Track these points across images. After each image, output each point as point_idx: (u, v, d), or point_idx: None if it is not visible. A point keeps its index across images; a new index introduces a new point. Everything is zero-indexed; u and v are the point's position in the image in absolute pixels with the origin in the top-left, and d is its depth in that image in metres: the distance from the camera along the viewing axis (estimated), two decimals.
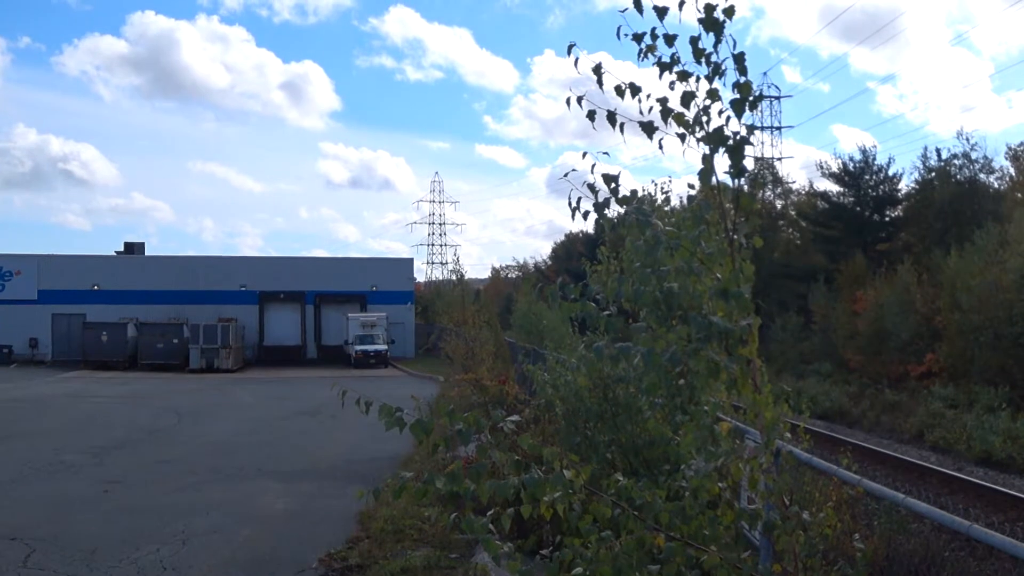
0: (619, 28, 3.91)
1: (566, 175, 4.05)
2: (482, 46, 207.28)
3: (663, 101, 3.94)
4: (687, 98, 3.94)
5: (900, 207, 45.62)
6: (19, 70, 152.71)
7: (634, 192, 4.12)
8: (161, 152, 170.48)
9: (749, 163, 4.04)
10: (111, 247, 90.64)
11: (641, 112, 3.95)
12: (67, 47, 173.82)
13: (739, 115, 3.95)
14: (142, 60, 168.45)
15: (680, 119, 3.96)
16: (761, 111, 59.29)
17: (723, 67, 3.90)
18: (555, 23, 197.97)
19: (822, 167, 48.18)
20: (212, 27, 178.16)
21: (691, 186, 4.21)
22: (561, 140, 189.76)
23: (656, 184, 10.14)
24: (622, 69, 3.93)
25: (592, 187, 4.06)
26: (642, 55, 3.94)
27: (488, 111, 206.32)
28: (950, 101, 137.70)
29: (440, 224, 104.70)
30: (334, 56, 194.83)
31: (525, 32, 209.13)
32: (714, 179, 4.06)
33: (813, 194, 50.45)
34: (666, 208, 9.50)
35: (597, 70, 3.92)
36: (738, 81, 3.92)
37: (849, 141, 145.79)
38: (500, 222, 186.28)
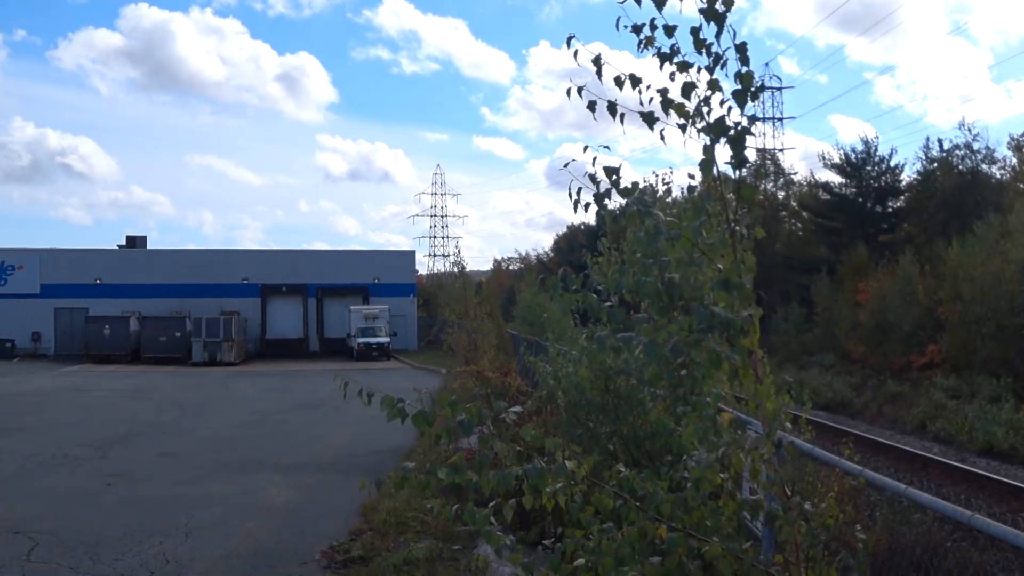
0: (618, 19, 3.90)
1: (566, 165, 4.04)
2: (478, 37, 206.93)
3: (663, 92, 3.93)
4: (688, 88, 3.93)
5: (902, 198, 45.56)
6: (15, 63, 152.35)
7: (635, 184, 4.11)
8: (159, 145, 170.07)
9: (751, 154, 4.02)
10: (112, 241, 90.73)
11: (641, 103, 3.94)
12: (62, 41, 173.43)
13: (741, 105, 3.94)
14: (137, 53, 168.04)
15: (681, 110, 3.95)
16: (763, 102, 59.17)
17: (724, 57, 3.89)
18: (550, 14, 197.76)
19: (824, 158, 48.16)
20: (206, 20, 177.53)
21: (692, 176, 4.21)
22: (560, 131, 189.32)
23: (657, 175, 10.16)
24: (618, 59, 3.92)
25: (593, 178, 4.05)
26: (641, 46, 3.92)
27: (485, 103, 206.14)
28: (949, 91, 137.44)
29: (442, 216, 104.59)
30: (330, 48, 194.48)
31: (520, 23, 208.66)
32: (715, 170, 4.05)
33: (815, 185, 50.38)
34: (667, 199, 9.49)
35: (597, 61, 3.90)
36: (740, 71, 3.91)
37: (847, 132, 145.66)
38: (500, 214, 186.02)
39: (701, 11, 3.84)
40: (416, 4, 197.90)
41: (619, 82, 3.92)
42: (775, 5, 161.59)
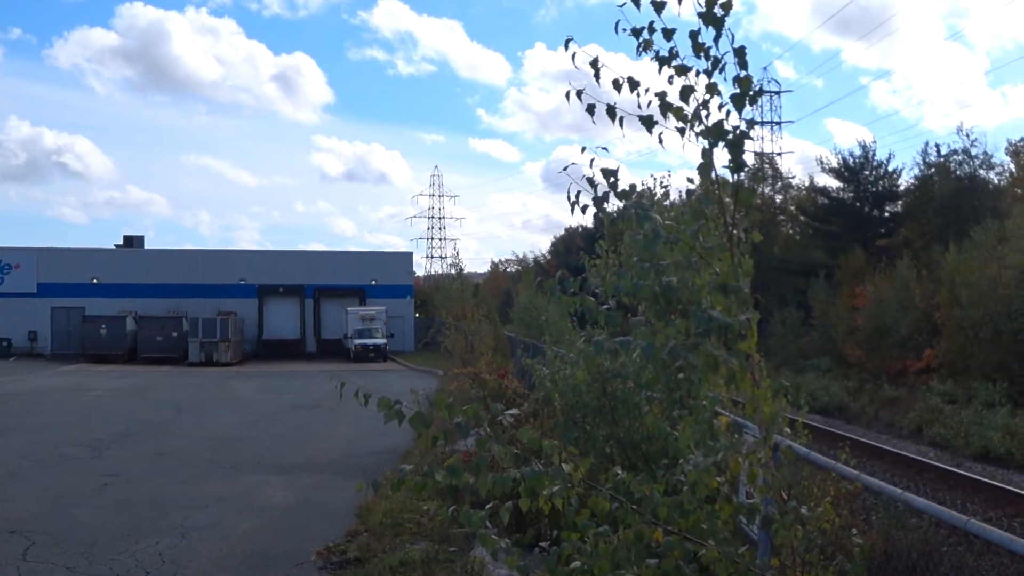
0: (617, 23, 3.91)
1: (565, 169, 4.04)
2: (473, 39, 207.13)
3: (662, 95, 3.94)
4: (686, 92, 3.93)
5: (900, 203, 45.58)
6: (11, 62, 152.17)
7: (633, 186, 4.11)
8: (155, 145, 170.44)
9: (749, 158, 4.03)
10: (108, 241, 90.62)
11: (639, 106, 3.95)
12: (57, 40, 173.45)
13: (739, 109, 3.95)
14: (133, 52, 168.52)
15: (679, 113, 3.96)
16: (760, 106, 59.28)
17: (723, 61, 3.90)
18: (546, 16, 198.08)
19: (821, 162, 48.18)
20: (201, 19, 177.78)
21: (690, 180, 4.21)
22: (556, 134, 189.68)
23: (655, 178, 10.18)
24: (614, 62, 3.94)
25: (591, 181, 4.05)
26: (640, 49, 3.93)
27: (482, 104, 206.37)
28: (945, 96, 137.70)
29: (439, 218, 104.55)
30: (325, 49, 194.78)
31: (516, 25, 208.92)
32: (713, 173, 4.06)
33: (812, 189, 50.42)
34: (665, 202, 9.48)
35: (595, 64, 3.91)
36: (738, 75, 3.92)
37: (843, 136, 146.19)
38: (497, 216, 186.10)
39: (700, 15, 3.85)
40: (411, 5, 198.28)
41: (617, 85, 3.92)
42: (771, 9, 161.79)
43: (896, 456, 19.14)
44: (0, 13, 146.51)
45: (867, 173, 45.41)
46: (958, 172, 40.88)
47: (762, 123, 59.95)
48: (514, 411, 4.15)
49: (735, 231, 4.07)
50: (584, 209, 4.12)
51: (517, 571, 3.94)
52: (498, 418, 4.04)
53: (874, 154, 45.65)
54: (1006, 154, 41.71)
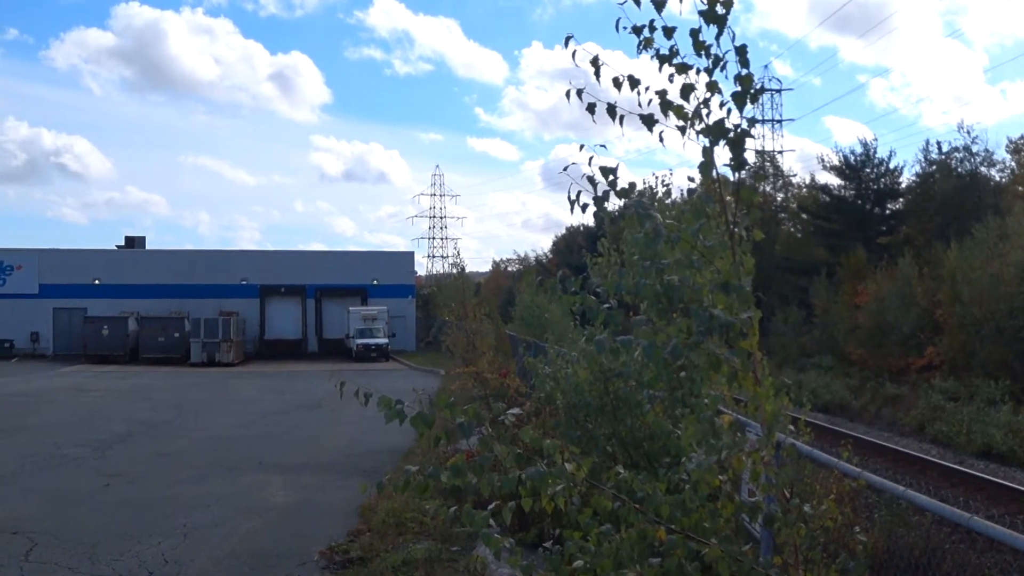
0: (618, 20, 3.90)
1: (565, 168, 4.04)
2: (470, 38, 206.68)
3: (662, 94, 3.93)
4: (687, 90, 3.93)
5: (901, 200, 45.52)
6: (8, 62, 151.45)
7: (632, 185, 4.11)
8: (154, 145, 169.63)
9: (750, 156, 4.02)
10: (108, 241, 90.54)
11: (639, 104, 3.94)
12: (54, 40, 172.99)
13: (740, 107, 3.94)
14: (130, 52, 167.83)
15: (680, 112, 3.95)
16: (761, 104, 59.24)
17: (724, 59, 3.89)
18: (543, 15, 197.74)
19: (823, 160, 48.13)
20: (197, 19, 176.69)
21: (691, 179, 4.21)
22: (555, 132, 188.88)
23: (656, 177, 10.16)
24: (612, 60, 3.96)
25: (591, 180, 4.04)
26: (641, 47, 3.92)
27: (480, 103, 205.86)
28: (943, 94, 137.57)
29: (441, 218, 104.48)
30: (322, 49, 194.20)
31: (513, 23, 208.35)
32: (714, 172, 4.05)
33: (814, 187, 50.36)
34: (666, 201, 9.47)
35: (595, 63, 3.90)
36: (740, 73, 3.91)
37: (841, 134, 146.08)
38: (496, 215, 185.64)
39: (701, 13, 3.84)
40: (407, 4, 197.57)
41: (618, 83, 3.91)
42: (769, 7, 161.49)
43: (898, 454, 19.13)
44: None
45: (868, 171, 45.36)
46: (959, 169, 40.81)
47: (763, 121, 59.93)
48: (516, 410, 4.15)
49: (736, 229, 4.06)
50: (584, 208, 4.11)
51: (520, 571, 3.94)
52: (500, 417, 4.04)
53: (875, 152, 45.62)
54: (1006, 151, 41.69)
